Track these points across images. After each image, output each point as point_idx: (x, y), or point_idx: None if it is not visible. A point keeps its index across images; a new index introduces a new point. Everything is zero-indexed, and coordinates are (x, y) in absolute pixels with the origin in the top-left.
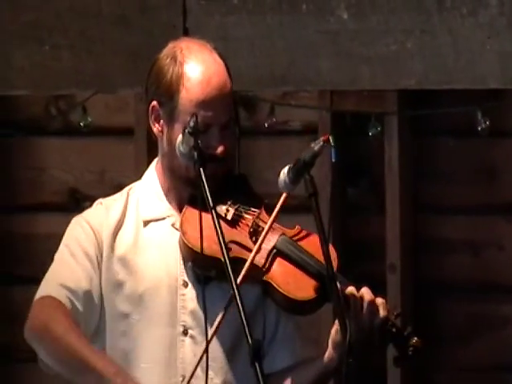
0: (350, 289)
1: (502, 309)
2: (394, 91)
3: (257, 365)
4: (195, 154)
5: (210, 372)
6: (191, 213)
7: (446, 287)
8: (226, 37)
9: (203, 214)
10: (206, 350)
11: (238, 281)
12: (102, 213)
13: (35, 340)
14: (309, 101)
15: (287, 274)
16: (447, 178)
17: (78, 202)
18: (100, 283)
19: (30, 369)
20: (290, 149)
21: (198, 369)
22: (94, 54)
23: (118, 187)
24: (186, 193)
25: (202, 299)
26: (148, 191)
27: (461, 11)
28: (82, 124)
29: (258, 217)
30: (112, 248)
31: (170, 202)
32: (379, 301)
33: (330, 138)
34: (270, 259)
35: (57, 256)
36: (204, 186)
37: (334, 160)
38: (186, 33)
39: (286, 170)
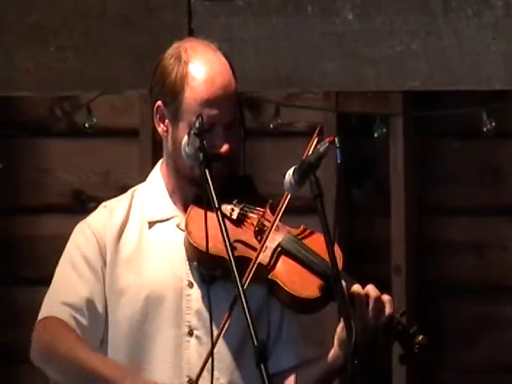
0: (356, 287)
1: (506, 310)
2: (399, 92)
3: (262, 366)
4: (201, 155)
5: (215, 372)
6: (196, 213)
7: (450, 288)
8: (231, 38)
9: (208, 214)
10: (212, 351)
11: (244, 280)
12: (105, 216)
13: (42, 361)
14: (314, 102)
15: (292, 272)
16: (452, 179)
17: (83, 203)
18: (104, 291)
19: (33, 370)
20: (295, 150)
21: (204, 369)
22: (99, 55)
23: (122, 188)
24: (190, 193)
25: (208, 299)
26: (153, 192)
27: (466, 12)
28: (86, 125)
29: (263, 216)
30: (116, 251)
31: (174, 203)
32: (385, 298)
33: (336, 139)
34: (275, 258)
35: (58, 269)
36: (209, 187)
37: (339, 161)
38: (191, 34)
39: (291, 171)
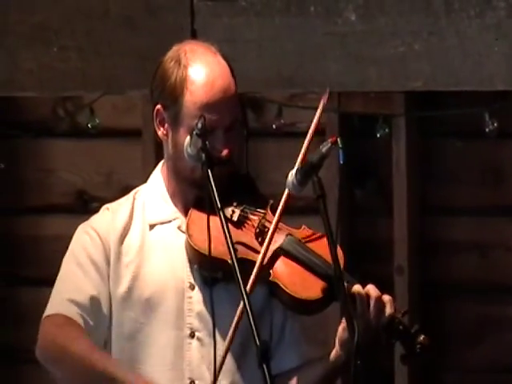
0: (356, 287)
1: (509, 310)
2: (401, 93)
3: (264, 366)
4: (203, 155)
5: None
6: (197, 215)
7: (453, 288)
8: (234, 38)
9: (210, 216)
10: (214, 352)
11: (249, 285)
12: (108, 218)
13: (52, 361)
14: (316, 102)
15: (294, 274)
16: (454, 179)
17: (86, 203)
18: (108, 291)
19: (36, 370)
20: (297, 150)
21: (206, 371)
22: (102, 55)
23: (125, 189)
24: (191, 195)
25: (210, 301)
26: (154, 194)
27: (468, 13)
28: (89, 125)
29: (263, 217)
30: (119, 253)
31: (175, 205)
32: (386, 298)
33: (338, 139)
34: (276, 259)
35: (63, 267)
36: (212, 188)
37: (341, 162)
38: (194, 34)
39: (293, 171)
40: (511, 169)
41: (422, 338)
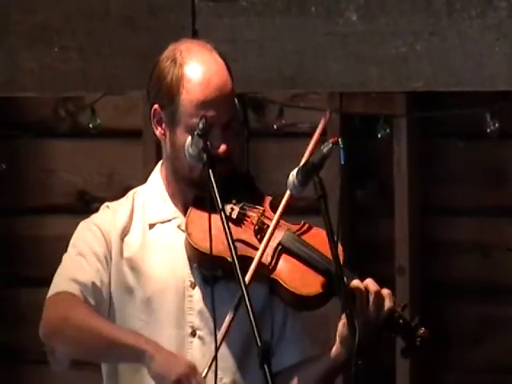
0: (355, 282)
1: (510, 310)
2: (402, 93)
3: (266, 366)
4: (204, 155)
5: (218, 372)
6: (196, 214)
7: (454, 289)
8: (235, 39)
9: (211, 215)
10: (216, 351)
11: (246, 280)
12: (109, 216)
13: (54, 334)
14: (318, 103)
15: (293, 270)
16: (456, 179)
17: (87, 204)
18: (109, 282)
19: (37, 370)
20: (298, 151)
21: (207, 369)
22: (103, 55)
23: (126, 189)
24: (190, 194)
25: (211, 300)
26: (153, 194)
27: (470, 13)
28: (90, 126)
29: (262, 214)
30: (120, 251)
31: (175, 204)
32: (385, 292)
33: (339, 140)
34: (275, 256)
35: (65, 256)
36: (213, 188)
37: (342, 162)
38: (195, 34)
39: (294, 172)
40: None
41: (422, 331)
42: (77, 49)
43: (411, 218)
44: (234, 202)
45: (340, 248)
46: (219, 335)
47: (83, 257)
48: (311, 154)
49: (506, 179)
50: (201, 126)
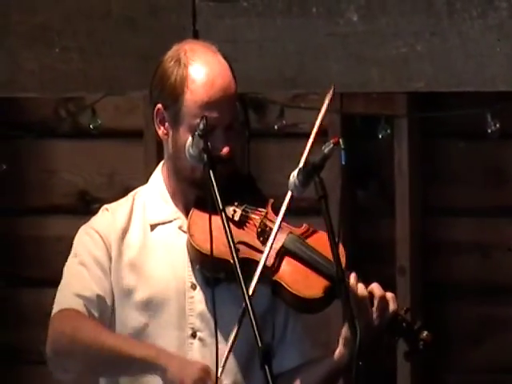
0: (360, 288)
1: (510, 310)
2: (403, 93)
3: (266, 368)
4: (205, 156)
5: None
6: (198, 215)
7: (455, 289)
8: (236, 39)
9: (211, 216)
10: (217, 352)
11: (252, 286)
12: (108, 218)
13: (63, 354)
14: (318, 103)
15: (296, 272)
16: (456, 180)
17: (88, 204)
18: (111, 289)
19: (37, 370)
20: (299, 151)
21: (221, 369)
22: (104, 56)
23: (127, 189)
24: (192, 195)
25: (212, 301)
26: (154, 194)
27: (470, 14)
28: (91, 126)
29: (265, 217)
30: (120, 253)
31: (176, 205)
32: (389, 295)
33: (340, 140)
34: (278, 259)
35: (67, 267)
36: (214, 188)
37: (343, 162)
38: (196, 35)
39: (295, 172)
40: None
41: (425, 335)
42: (77, 49)
43: (412, 218)
44: (236, 204)
45: (343, 251)
46: (229, 343)
47: (84, 266)
48: (317, 134)
49: (507, 179)
50: (201, 126)
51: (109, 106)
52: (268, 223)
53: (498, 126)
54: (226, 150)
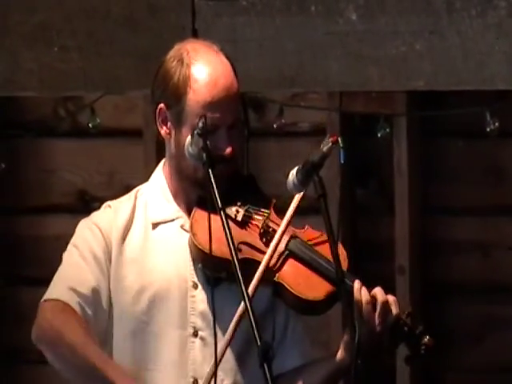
0: (363, 293)
1: (511, 310)
2: (402, 92)
3: (265, 366)
4: (204, 155)
5: (219, 373)
6: (200, 214)
7: (454, 288)
8: (235, 38)
9: (213, 216)
10: (215, 351)
11: (253, 285)
12: (110, 215)
13: (46, 346)
14: (318, 102)
15: (298, 274)
16: (456, 178)
17: (87, 203)
18: (108, 286)
19: (37, 370)
20: (298, 150)
21: (208, 370)
22: (103, 55)
23: (126, 189)
24: (194, 194)
25: (211, 301)
26: (156, 193)
27: (470, 12)
28: (90, 125)
29: (268, 218)
30: (121, 251)
31: (178, 204)
32: (391, 299)
33: (339, 139)
34: (281, 260)
35: (66, 257)
36: (213, 188)
37: (342, 161)
38: (195, 34)
39: (294, 171)
40: None
41: (426, 340)
42: (77, 49)
43: (411, 217)
44: (239, 204)
45: (344, 254)
46: (223, 342)
47: (83, 259)
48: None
49: (506, 178)
50: (201, 125)
51: (108, 105)
52: (271, 224)
53: (497, 124)
54: (229, 150)
